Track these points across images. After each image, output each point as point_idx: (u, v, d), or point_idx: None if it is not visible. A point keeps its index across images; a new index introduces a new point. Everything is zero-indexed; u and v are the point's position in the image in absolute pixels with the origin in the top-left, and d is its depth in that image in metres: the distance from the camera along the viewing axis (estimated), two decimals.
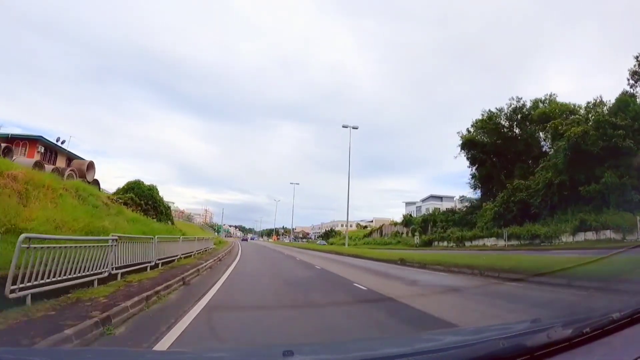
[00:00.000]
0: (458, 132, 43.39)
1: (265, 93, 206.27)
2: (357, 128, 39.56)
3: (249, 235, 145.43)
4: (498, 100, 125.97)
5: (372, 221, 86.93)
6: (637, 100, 27.47)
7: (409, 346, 1.78)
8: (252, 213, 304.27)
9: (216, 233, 64.43)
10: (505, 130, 41.38)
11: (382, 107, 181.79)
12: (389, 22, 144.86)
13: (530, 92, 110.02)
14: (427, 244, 39.60)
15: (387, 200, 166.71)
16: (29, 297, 4.48)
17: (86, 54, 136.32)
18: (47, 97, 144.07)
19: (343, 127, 39.13)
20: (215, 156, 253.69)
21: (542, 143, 38.54)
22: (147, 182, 25.42)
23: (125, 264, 7.66)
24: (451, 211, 46.44)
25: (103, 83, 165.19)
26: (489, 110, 41.40)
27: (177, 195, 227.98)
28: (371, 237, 62.41)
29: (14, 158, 17.53)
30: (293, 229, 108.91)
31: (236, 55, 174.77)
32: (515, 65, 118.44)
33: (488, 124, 40.97)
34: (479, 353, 1.34)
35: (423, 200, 70.83)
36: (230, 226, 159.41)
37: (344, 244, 53.77)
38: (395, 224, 57.21)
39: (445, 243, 37.72)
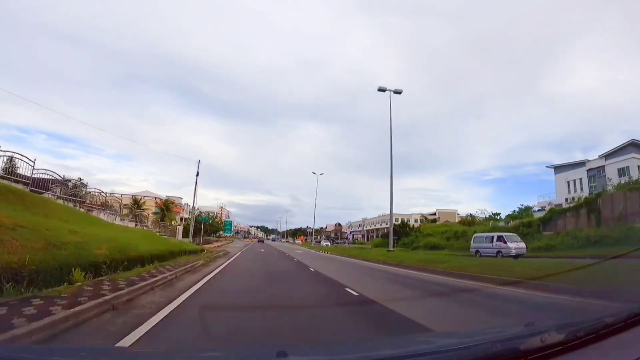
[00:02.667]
0: None
1: (287, 94, 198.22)
2: (400, 92, 27.44)
3: (271, 236, 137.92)
4: (523, 96, 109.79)
5: (434, 213, 73.33)
6: None
7: (402, 348, 1.76)
8: (275, 214, 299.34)
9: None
10: None
11: (403, 106, 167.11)
12: (409, 18, 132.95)
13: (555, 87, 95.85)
14: None
15: (410, 200, 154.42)
16: None
17: (111, 61, 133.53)
18: (73, 105, 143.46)
19: (379, 90, 27.24)
20: (238, 158, 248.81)
21: None
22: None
23: None
24: None
25: (128, 89, 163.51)
26: None
27: (199, 197, 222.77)
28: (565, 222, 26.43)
29: None
30: (320, 227, 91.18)
31: (257, 56, 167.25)
32: (540, 60, 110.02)
33: None
34: (472, 356, 1.33)
35: (607, 156, 35.33)
36: (251, 227, 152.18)
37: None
38: None
39: None
